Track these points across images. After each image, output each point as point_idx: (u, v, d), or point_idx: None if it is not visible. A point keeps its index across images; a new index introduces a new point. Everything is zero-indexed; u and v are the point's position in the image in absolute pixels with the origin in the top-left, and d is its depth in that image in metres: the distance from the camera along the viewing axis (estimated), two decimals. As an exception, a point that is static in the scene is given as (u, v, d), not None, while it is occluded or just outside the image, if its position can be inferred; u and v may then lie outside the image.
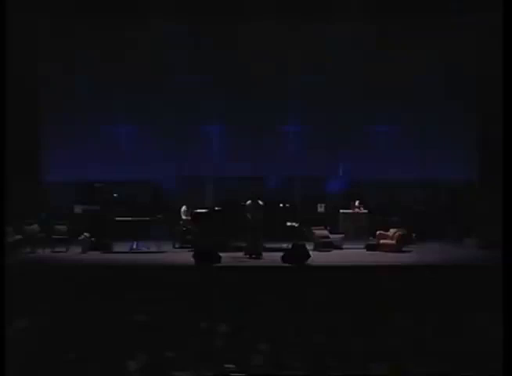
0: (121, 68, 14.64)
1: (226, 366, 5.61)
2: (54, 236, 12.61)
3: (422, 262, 11.21)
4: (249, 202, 11.96)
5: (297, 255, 10.95)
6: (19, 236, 12.15)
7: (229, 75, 14.78)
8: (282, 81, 14.79)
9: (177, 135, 15.00)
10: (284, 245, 11.97)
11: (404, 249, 12.32)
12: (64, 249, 12.36)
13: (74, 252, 12.23)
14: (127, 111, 14.78)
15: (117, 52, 14.52)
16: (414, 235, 12.78)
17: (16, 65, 12.30)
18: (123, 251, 12.30)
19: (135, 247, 12.41)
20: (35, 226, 12.69)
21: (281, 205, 13.35)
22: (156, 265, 10.97)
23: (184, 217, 13.15)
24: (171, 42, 14.59)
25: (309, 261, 10.88)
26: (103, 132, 14.97)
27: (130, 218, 12.77)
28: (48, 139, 14.79)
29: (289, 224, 12.83)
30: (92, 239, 12.54)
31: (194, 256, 10.89)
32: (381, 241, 12.61)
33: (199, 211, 13.10)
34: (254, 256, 11.68)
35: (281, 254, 11.16)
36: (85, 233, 12.65)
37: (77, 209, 13.82)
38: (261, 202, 11.96)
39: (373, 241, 12.78)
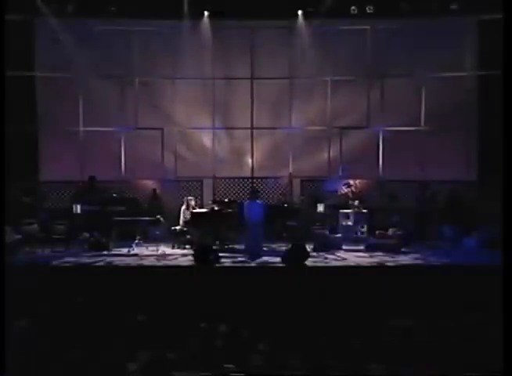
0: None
1: (226, 366, 5.60)
2: (54, 236, 12.59)
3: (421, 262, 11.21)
4: (248, 202, 11.94)
5: (296, 255, 10.93)
6: (19, 236, 12.12)
7: None
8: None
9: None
10: (284, 245, 11.95)
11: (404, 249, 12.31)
12: (64, 249, 12.33)
13: (74, 252, 12.20)
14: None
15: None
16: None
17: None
18: (122, 252, 12.26)
19: (134, 246, 12.38)
20: (35, 226, 12.65)
21: (281, 205, 13.32)
22: (155, 266, 10.96)
23: (183, 217, 13.10)
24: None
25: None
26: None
27: (130, 218, 12.72)
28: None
29: (289, 224, 12.81)
30: (92, 239, 12.52)
31: (193, 256, 10.88)
32: (381, 241, 12.58)
33: (198, 211, 13.07)
34: (253, 256, 11.64)
35: (281, 254, 11.14)
36: (85, 233, 12.53)
37: (77, 209, 13.77)
38: (260, 202, 11.94)
39: (372, 241, 12.76)
